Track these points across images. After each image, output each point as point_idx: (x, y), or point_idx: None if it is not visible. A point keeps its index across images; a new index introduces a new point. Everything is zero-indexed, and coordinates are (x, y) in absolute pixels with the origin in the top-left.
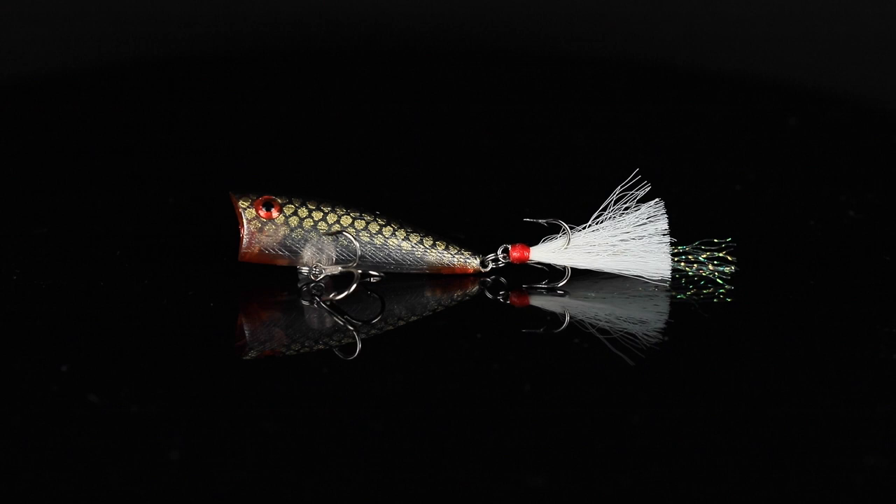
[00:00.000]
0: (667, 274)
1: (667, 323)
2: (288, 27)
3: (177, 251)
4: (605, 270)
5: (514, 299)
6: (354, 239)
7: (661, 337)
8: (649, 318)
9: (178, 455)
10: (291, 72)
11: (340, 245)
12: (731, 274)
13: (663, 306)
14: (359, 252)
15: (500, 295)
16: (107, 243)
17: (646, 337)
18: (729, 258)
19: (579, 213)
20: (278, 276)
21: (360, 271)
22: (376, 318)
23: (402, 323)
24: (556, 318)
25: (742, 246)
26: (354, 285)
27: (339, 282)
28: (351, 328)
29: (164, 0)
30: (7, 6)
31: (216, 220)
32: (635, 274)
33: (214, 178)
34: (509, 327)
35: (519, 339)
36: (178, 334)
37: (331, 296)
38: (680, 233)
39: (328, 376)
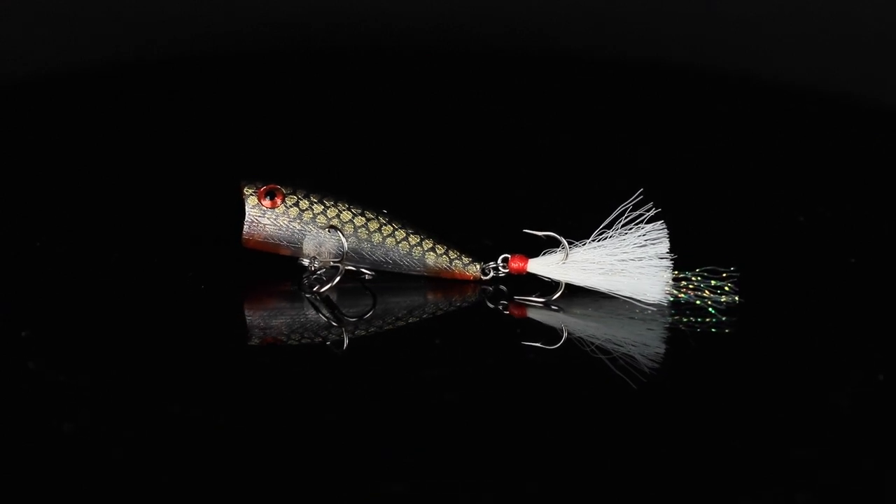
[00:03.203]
0: (659, 299)
1: (646, 346)
2: (288, 27)
3: (178, 246)
4: (598, 289)
5: (512, 310)
6: (342, 234)
7: (637, 359)
8: (627, 339)
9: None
10: (292, 72)
11: (334, 239)
12: (728, 304)
13: (650, 331)
14: (345, 247)
15: (500, 304)
16: (106, 243)
17: (625, 360)
18: (727, 287)
19: (594, 220)
20: (285, 265)
21: (343, 266)
22: (360, 316)
23: (387, 324)
24: (536, 329)
25: (745, 257)
26: (337, 279)
27: (335, 276)
28: (335, 324)
29: (164, 0)
30: (7, 6)
31: (218, 219)
32: (627, 295)
33: (214, 178)
34: (499, 337)
35: (505, 348)
36: (180, 324)
37: (314, 289)
38: (685, 242)
39: (302, 375)
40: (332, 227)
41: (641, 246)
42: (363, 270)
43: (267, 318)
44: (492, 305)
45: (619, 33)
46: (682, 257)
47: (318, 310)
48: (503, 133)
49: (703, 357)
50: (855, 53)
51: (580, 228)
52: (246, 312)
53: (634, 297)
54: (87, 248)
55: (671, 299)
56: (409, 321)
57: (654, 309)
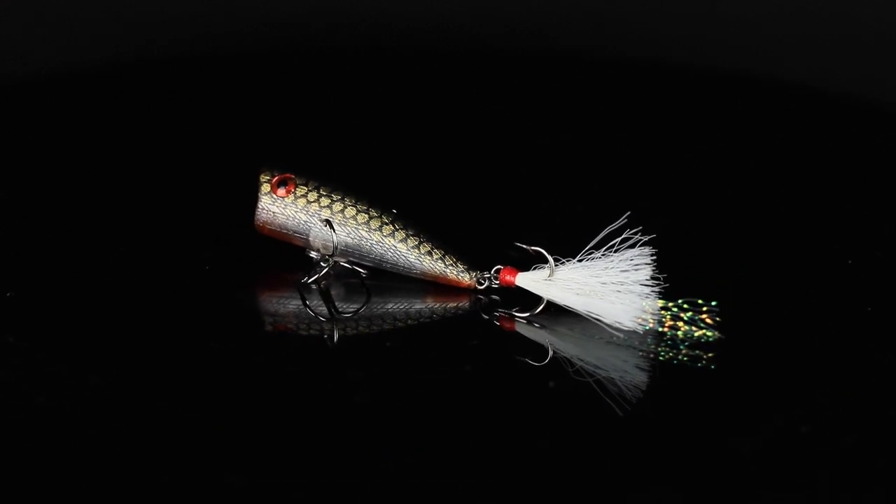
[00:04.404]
0: (631, 326)
1: (626, 373)
2: (288, 27)
3: (177, 242)
4: (575, 310)
5: (502, 322)
6: (332, 228)
7: (607, 385)
8: (602, 363)
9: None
10: (292, 72)
11: (326, 231)
12: (701, 339)
13: (626, 359)
14: (335, 241)
15: (494, 315)
16: (108, 240)
17: (597, 384)
18: (701, 322)
19: (591, 224)
20: (301, 256)
21: (332, 260)
22: (347, 313)
23: (371, 324)
24: (523, 344)
25: (738, 270)
26: (324, 271)
27: (322, 269)
28: (322, 319)
29: (164, 0)
30: (7, 6)
31: (216, 215)
32: (600, 319)
33: (214, 177)
34: (476, 347)
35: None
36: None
37: (303, 280)
38: (677, 258)
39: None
40: (326, 220)
41: (624, 271)
42: (357, 269)
43: (261, 307)
44: (486, 316)
45: (619, 33)
46: (672, 278)
47: (305, 303)
48: (503, 133)
49: (670, 388)
50: (855, 53)
51: (576, 235)
52: (242, 300)
53: (607, 321)
54: (88, 246)
55: (645, 328)
56: (395, 323)
57: (623, 335)
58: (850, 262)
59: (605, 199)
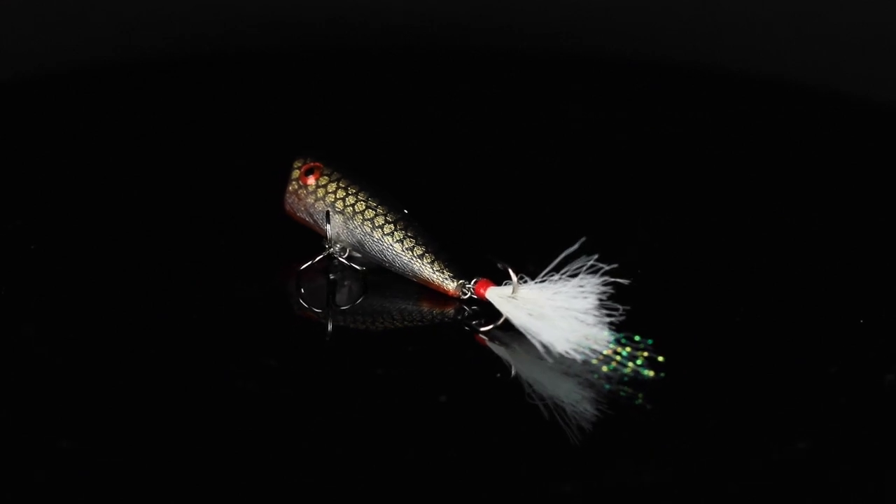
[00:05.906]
0: (568, 353)
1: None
2: (288, 27)
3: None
4: (522, 328)
5: (477, 336)
6: (328, 220)
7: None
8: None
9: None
10: (292, 72)
11: (325, 223)
12: (630, 376)
13: (572, 385)
14: (329, 233)
15: (472, 327)
16: (111, 239)
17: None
18: (636, 359)
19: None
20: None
21: (328, 251)
22: (345, 306)
23: (355, 322)
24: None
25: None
26: (318, 259)
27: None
28: (317, 311)
29: (164, 0)
30: (7, 6)
31: (215, 214)
32: (539, 341)
33: (214, 176)
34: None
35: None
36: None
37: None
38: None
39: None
40: (326, 211)
41: (573, 297)
42: (353, 265)
43: (260, 293)
44: (467, 328)
45: (619, 33)
46: (667, 284)
47: (300, 291)
48: (503, 133)
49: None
50: (855, 53)
51: (578, 235)
52: (241, 288)
53: (545, 344)
54: (88, 245)
55: (581, 357)
56: (378, 324)
57: (556, 361)
58: (861, 321)
59: (605, 200)
